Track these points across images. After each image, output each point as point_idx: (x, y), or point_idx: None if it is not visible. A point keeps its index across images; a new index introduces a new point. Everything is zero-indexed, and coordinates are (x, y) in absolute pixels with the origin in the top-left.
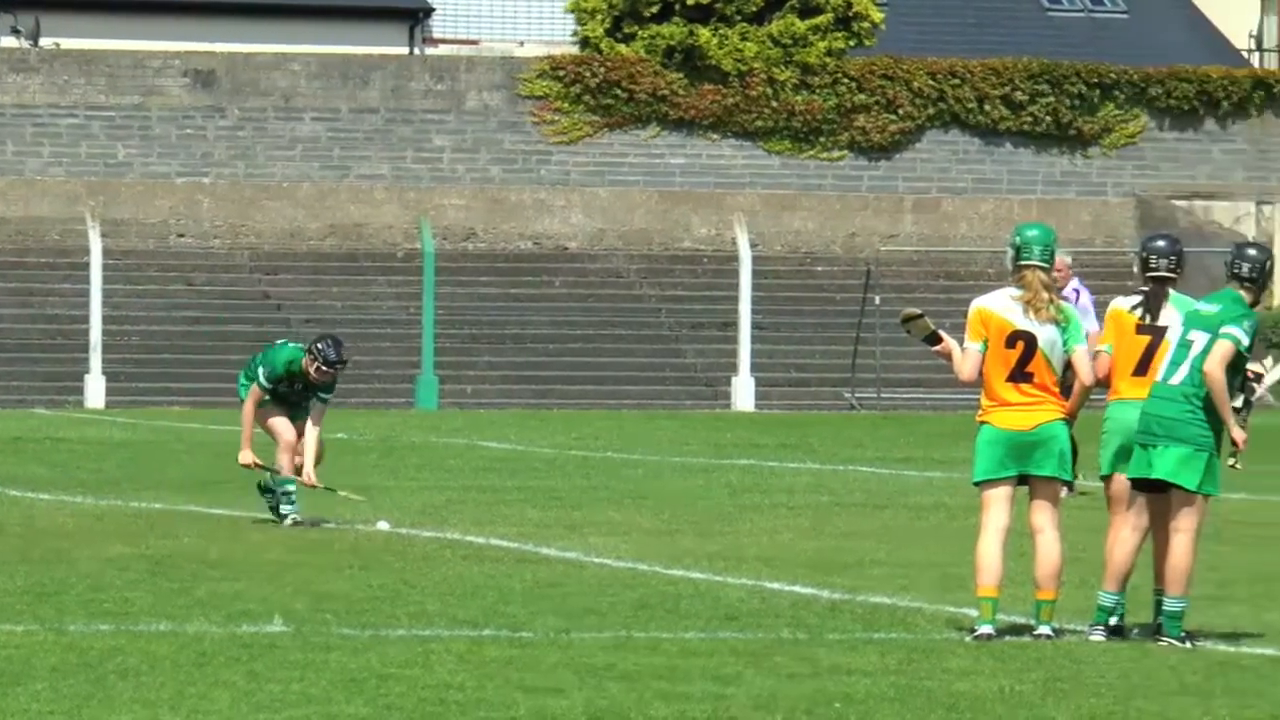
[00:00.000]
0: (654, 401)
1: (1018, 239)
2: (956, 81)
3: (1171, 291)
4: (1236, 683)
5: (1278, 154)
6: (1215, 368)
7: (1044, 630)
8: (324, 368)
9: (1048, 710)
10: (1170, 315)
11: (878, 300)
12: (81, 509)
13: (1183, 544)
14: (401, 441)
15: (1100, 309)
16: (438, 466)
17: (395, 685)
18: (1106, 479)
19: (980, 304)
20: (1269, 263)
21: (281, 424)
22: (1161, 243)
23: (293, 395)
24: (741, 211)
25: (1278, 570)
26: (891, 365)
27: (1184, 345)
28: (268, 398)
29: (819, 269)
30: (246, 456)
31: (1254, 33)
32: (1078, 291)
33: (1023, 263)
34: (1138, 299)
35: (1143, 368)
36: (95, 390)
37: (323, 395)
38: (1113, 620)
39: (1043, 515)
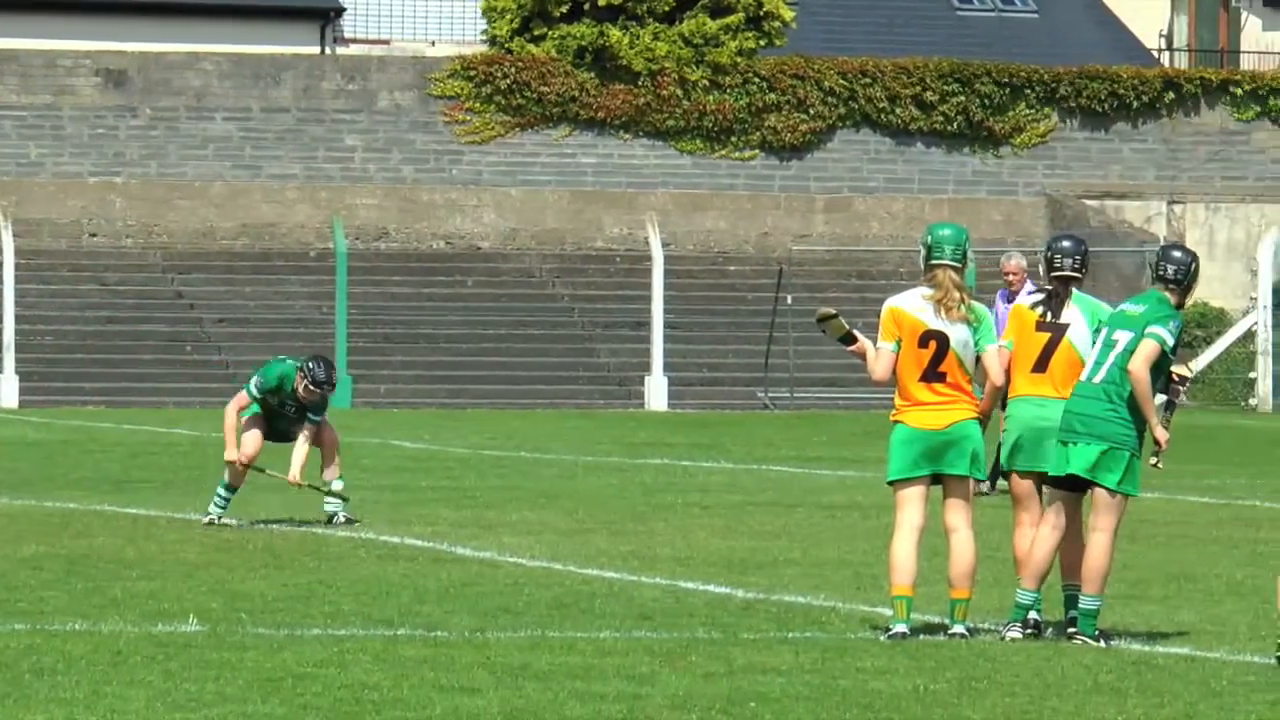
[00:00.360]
0: (567, 401)
1: (929, 238)
2: (867, 81)
3: (1075, 291)
4: (1151, 682)
5: (1189, 153)
6: (1140, 367)
7: (958, 629)
8: (311, 386)
9: (963, 709)
10: (1072, 314)
11: (790, 300)
12: None
13: (1101, 543)
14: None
15: None
16: (352, 466)
17: (311, 685)
18: (1008, 475)
19: (893, 303)
20: (1194, 265)
21: (251, 437)
22: (1067, 242)
23: (283, 412)
24: (653, 211)
25: (1191, 569)
26: (804, 365)
27: (1108, 344)
28: (255, 408)
29: (731, 268)
30: (232, 453)
31: (1164, 32)
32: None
33: (934, 262)
34: (1041, 296)
35: (1041, 365)
36: (9, 390)
37: (313, 417)
38: (1031, 617)
39: (957, 514)
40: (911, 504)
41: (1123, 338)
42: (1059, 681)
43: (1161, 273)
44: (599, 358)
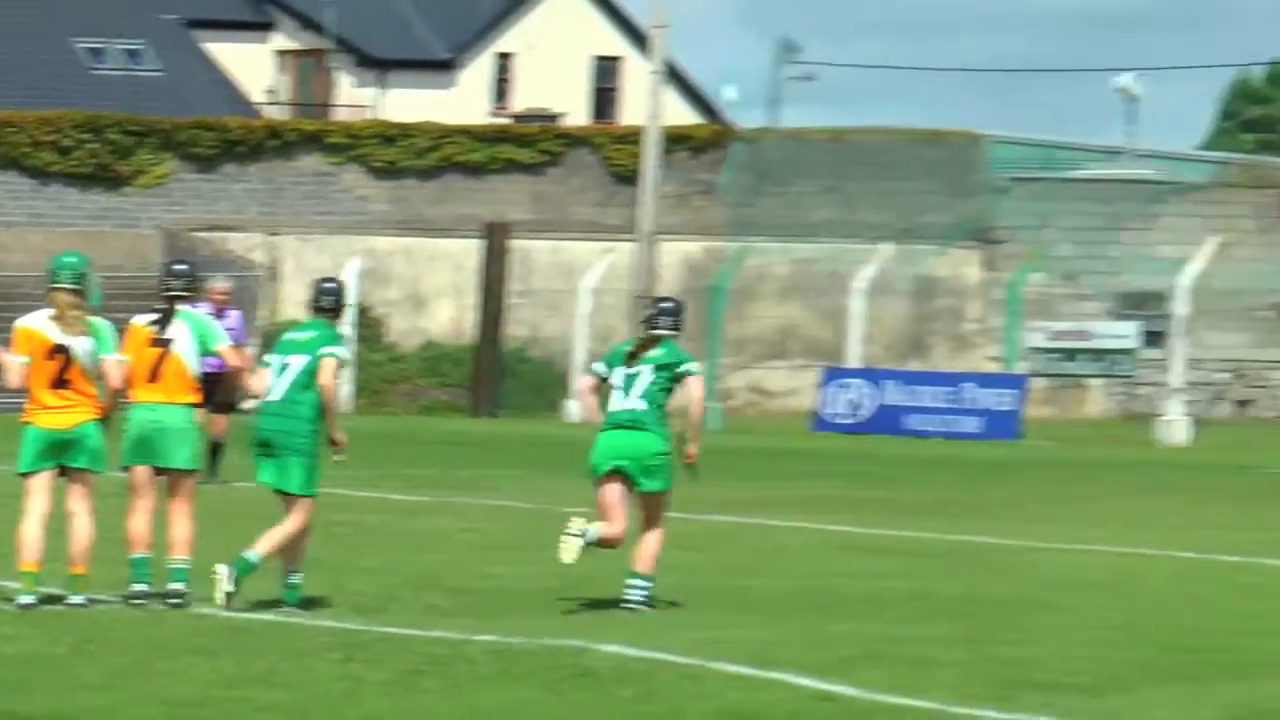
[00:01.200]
0: None
1: (52, 266)
2: (14, 130)
3: (181, 308)
4: (243, 643)
5: (288, 192)
6: (328, 380)
7: (76, 600)
8: None
9: (78, 669)
10: (179, 330)
11: None
12: None
13: (294, 524)
14: None
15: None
16: None
17: None
18: (128, 468)
19: (22, 323)
20: (343, 293)
21: None
22: (178, 267)
23: None
24: None
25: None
26: None
27: (282, 368)
28: None
29: None
30: None
31: (270, 89)
32: (232, 313)
33: (54, 286)
34: (155, 315)
35: (154, 376)
36: None
37: None
38: (140, 588)
39: (78, 501)
40: (38, 493)
41: (296, 362)
42: (163, 644)
43: (320, 304)
44: None
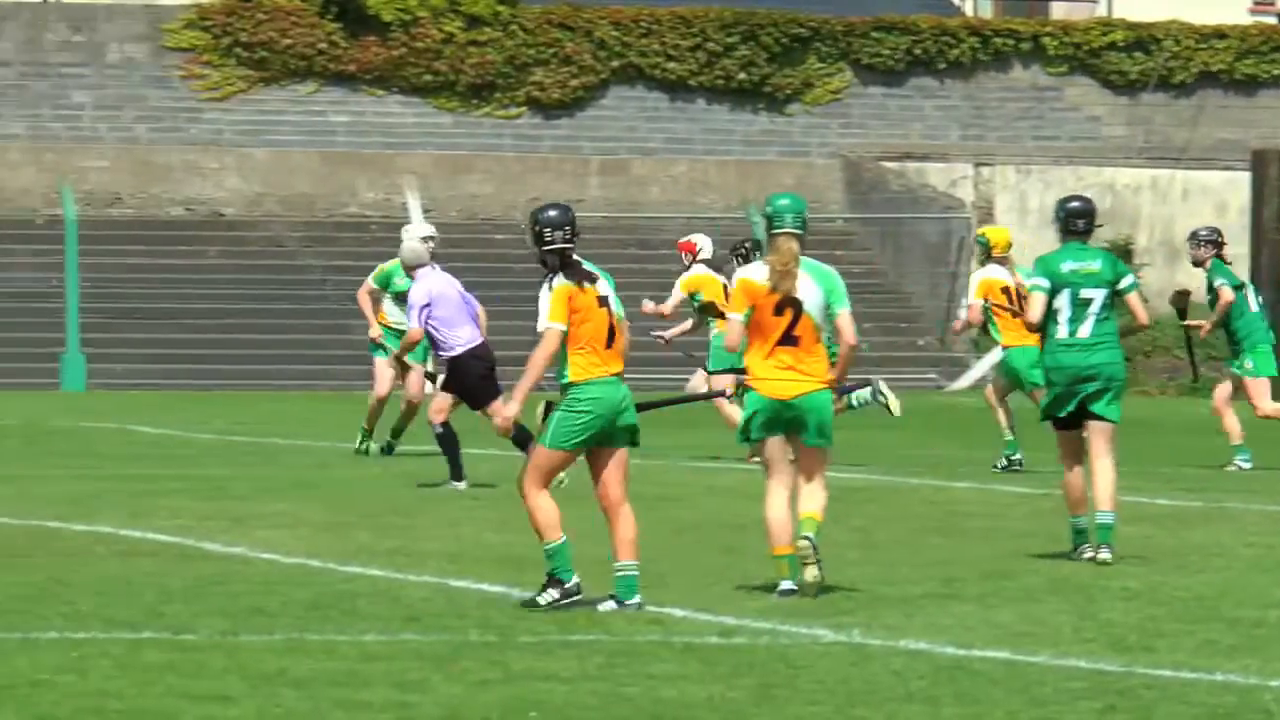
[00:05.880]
0: (320, 382)
1: (772, 208)
2: (642, 32)
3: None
4: (967, 688)
5: (996, 110)
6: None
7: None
8: None
9: (761, 719)
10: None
11: None
12: None
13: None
14: (45, 426)
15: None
16: (87, 453)
17: (48, 693)
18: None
19: (743, 274)
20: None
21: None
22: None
23: None
24: (412, 174)
25: (1008, 566)
26: None
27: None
28: None
29: (499, 237)
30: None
31: None
32: None
33: (776, 231)
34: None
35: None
36: None
37: None
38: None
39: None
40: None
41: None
42: (866, 688)
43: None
44: (355, 334)
